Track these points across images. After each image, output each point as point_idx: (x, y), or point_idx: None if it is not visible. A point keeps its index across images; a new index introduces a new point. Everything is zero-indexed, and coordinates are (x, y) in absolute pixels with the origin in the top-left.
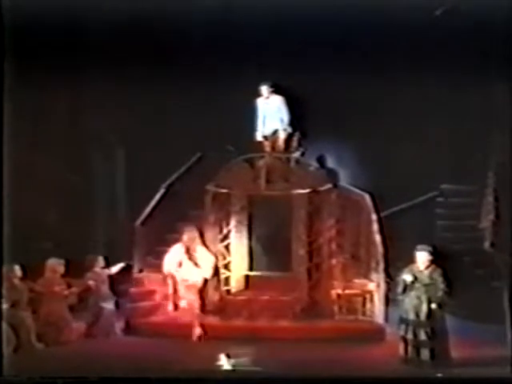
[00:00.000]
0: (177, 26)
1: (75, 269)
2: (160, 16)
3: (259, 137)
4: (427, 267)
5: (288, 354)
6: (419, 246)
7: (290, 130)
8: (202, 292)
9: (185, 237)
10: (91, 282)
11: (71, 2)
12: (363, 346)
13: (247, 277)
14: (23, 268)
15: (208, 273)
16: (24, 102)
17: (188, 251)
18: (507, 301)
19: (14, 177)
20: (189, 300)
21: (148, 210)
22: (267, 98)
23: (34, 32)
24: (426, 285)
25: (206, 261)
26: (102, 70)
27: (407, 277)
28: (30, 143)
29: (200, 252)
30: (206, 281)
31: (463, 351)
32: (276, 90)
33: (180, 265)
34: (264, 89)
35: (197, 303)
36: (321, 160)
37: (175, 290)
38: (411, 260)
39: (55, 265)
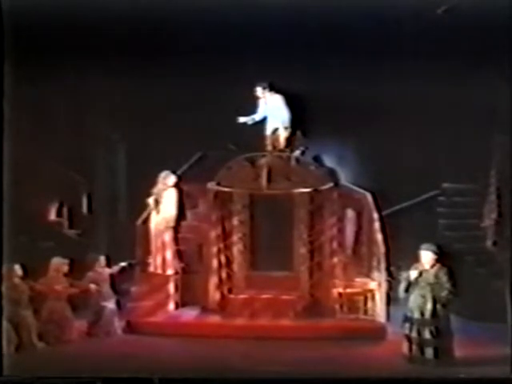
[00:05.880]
0: (177, 26)
1: (76, 268)
2: (160, 15)
3: (268, 131)
4: (432, 266)
5: (289, 353)
6: (424, 246)
7: (290, 128)
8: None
9: (160, 178)
10: (92, 285)
11: (71, 2)
12: (365, 345)
13: (248, 275)
14: (24, 267)
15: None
16: (24, 100)
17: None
18: (509, 300)
19: (14, 175)
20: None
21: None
22: (265, 97)
23: (33, 32)
24: (431, 283)
25: (167, 208)
26: (102, 68)
27: (413, 273)
28: (30, 141)
29: (166, 197)
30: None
31: (465, 350)
32: (276, 88)
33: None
34: (258, 89)
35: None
36: (317, 159)
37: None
38: (413, 259)
39: (59, 264)
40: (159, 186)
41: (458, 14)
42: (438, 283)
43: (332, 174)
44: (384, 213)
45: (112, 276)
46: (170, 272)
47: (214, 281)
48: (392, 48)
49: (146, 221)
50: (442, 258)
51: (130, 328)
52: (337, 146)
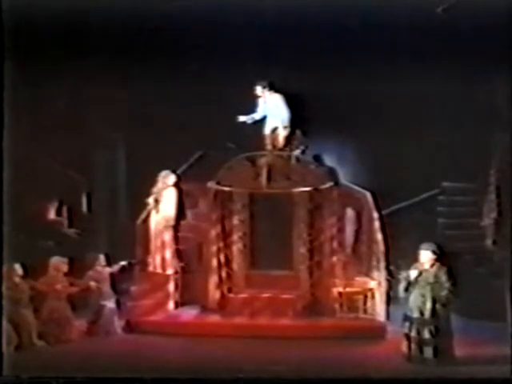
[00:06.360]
0: (177, 24)
1: (76, 267)
2: (160, 14)
3: (268, 130)
4: (432, 265)
5: (289, 353)
6: (423, 245)
7: (289, 127)
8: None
9: (159, 178)
10: (92, 283)
11: (71, 2)
12: (364, 344)
13: (248, 275)
14: (24, 266)
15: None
16: (24, 100)
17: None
18: (509, 299)
19: (14, 175)
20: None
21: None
22: (264, 96)
23: (34, 32)
24: (430, 283)
25: (167, 207)
26: (102, 68)
27: (412, 272)
28: (30, 141)
29: (166, 196)
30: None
31: (464, 349)
32: (276, 88)
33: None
34: (258, 88)
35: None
36: (317, 158)
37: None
38: (413, 258)
39: (59, 263)
40: (159, 185)
41: (458, 13)
42: (437, 283)
43: (332, 173)
44: (384, 212)
45: (112, 275)
46: (169, 271)
47: (213, 280)
48: (391, 47)
49: (146, 220)
50: (441, 257)
51: (129, 327)
52: (337, 146)
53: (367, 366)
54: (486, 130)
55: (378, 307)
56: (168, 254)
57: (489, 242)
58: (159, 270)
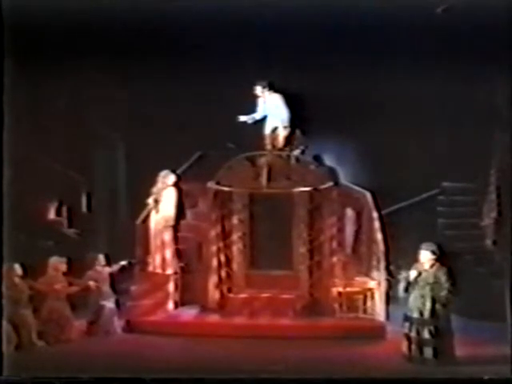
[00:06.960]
0: (177, 24)
1: (76, 267)
2: (160, 14)
3: (267, 130)
4: (432, 266)
5: (289, 353)
6: (423, 245)
7: (289, 127)
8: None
9: (159, 177)
10: (91, 283)
11: (71, 2)
12: (364, 344)
13: (248, 275)
14: (23, 266)
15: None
16: (24, 100)
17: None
18: (509, 299)
19: (14, 174)
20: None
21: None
22: (264, 96)
23: (33, 32)
24: (430, 283)
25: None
26: (102, 68)
27: (412, 273)
28: (30, 141)
29: (166, 196)
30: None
31: (464, 349)
32: (276, 88)
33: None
34: (258, 88)
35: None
36: (317, 158)
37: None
38: (412, 258)
39: (57, 263)
40: (159, 185)
41: (458, 13)
42: (437, 283)
43: (332, 173)
44: (384, 212)
45: (112, 275)
46: (169, 271)
47: (213, 280)
48: (391, 47)
49: (146, 220)
50: (441, 257)
51: (129, 327)
52: (336, 146)
53: (367, 365)
54: (486, 130)
55: (378, 307)
56: (168, 253)
57: (489, 242)
58: (159, 270)
